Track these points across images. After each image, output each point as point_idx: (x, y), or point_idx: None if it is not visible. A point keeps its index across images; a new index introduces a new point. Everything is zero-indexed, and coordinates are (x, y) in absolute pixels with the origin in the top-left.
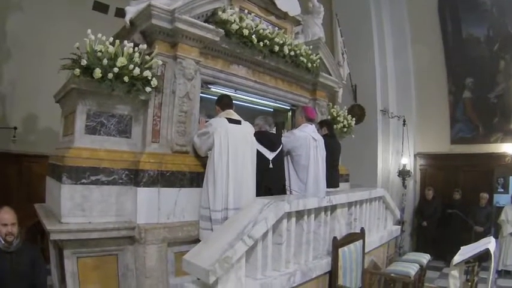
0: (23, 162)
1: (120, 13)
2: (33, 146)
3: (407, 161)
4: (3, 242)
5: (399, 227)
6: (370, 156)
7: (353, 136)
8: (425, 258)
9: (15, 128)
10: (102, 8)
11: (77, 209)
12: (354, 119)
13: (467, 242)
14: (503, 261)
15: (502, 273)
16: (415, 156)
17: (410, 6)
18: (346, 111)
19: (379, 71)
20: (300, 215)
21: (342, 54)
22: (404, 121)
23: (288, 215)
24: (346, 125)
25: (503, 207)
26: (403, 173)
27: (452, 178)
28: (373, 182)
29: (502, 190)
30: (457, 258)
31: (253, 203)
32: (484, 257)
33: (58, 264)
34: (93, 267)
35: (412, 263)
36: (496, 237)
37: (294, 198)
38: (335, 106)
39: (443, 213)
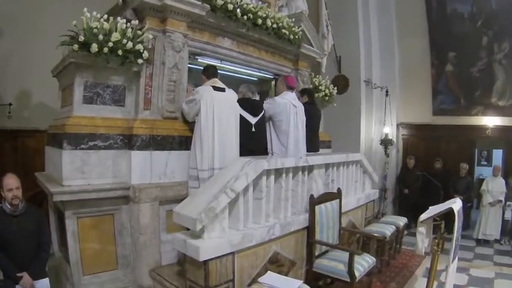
0: (19, 138)
1: None
2: (27, 122)
3: (389, 130)
4: (9, 206)
5: (377, 190)
6: (353, 125)
7: (335, 105)
8: (401, 221)
9: (10, 105)
10: None
11: (77, 172)
12: (335, 88)
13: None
14: (482, 230)
15: (481, 242)
16: (397, 126)
17: None
18: (329, 81)
19: (363, 43)
20: (278, 173)
21: (327, 26)
22: (387, 92)
23: (268, 173)
24: (328, 94)
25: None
26: (385, 142)
27: (433, 148)
28: (357, 150)
29: (486, 163)
30: (423, 216)
31: (236, 161)
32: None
33: (58, 227)
34: (91, 226)
35: (389, 225)
36: (477, 208)
37: (272, 158)
38: (317, 76)
39: (423, 181)
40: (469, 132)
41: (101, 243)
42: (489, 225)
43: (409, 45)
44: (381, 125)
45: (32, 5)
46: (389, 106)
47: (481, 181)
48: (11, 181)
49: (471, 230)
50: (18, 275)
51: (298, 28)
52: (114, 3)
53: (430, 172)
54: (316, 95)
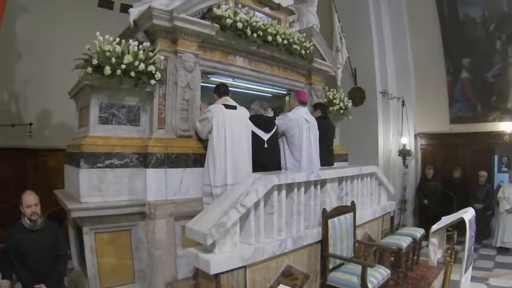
0: (39, 157)
1: (125, 9)
2: (48, 141)
3: (407, 140)
4: (28, 222)
5: (393, 202)
6: (371, 137)
7: (350, 117)
8: (419, 232)
9: (31, 124)
10: (107, 5)
11: (94, 189)
12: (350, 101)
13: None
14: (501, 238)
15: (502, 251)
16: (415, 136)
17: None
18: (343, 93)
19: (377, 54)
20: (290, 188)
21: (340, 39)
22: (403, 102)
23: (279, 188)
24: (343, 107)
25: None
26: (404, 153)
27: (452, 157)
28: (375, 162)
29: (506, 169)
30: (435, 227)
31: (247, 177)
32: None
33: (77, 243)
34: (109, 241)
35: (405, 236)
36: (493, 215)
37: (283, 173)
38: (332, 89)
39: (441, 191)
40: (487, 139)
41: (118, 257)
42: (507, 233)
43: (423, 53)
44: (398, 135)
45: (49, 29)
46: (407, 116)
47: (499, 188)
48: (30, 198)
49: (492, 238)
50: (36, 287)
51: (309, 43)
52: (127, 25)
53: (449, 181)
54: (331, 108)
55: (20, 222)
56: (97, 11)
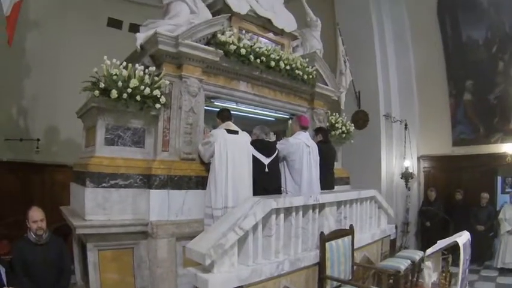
0: (46, 172)
1: (134, 28)
2: (54, 156)
3: (409, 163)
4: (34, 236)
5: (393, 225)
6: (374, 159)
7: (352, 141)
8: (418, 255)
9: (38, 140)
10: (116, 24)
11: (99, 208)
12: (352, 124)
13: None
14: (502, 259)
15: (503, 272)
16: (418, 158)
17: (410, 12)
18: (345, 117)
19: (381, 77)
20: (288, 211)
21: (344, 62)
22: (406, 125)
23: (277, 211)
24: (345, 131)
25: None
26: (406, 176)
27: (454, 179)
28: (378, 185)
29: (510, 190)
30: (429, 250)
31: (246, 201)
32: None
33: (81, 259)
34: (112, 258)
35: (404, 259)
36: (496, 236)
37: (281, 197)
38: (334, 113)
39: (445, 214)
40: (489, 160)
41: (120, 274)
42: (509, 254)
43: (427, 76)
44: (401, 158)
45: (58, 46)
46: (409, 139)
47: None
48: (36, 214)
49: (494, 259)
50: None
51: (312, 68)
52: (135, 44)
53: (451, 203)
54: (333, 132)
55: (26, 235)
56: (106, 29)
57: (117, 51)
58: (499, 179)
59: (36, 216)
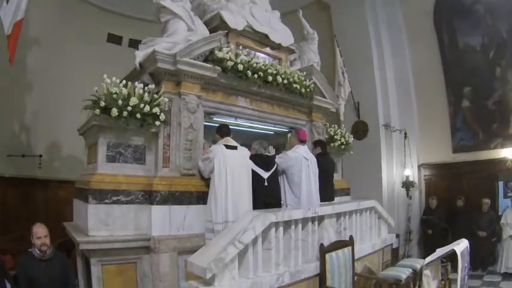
0: (48, 187)
1: (133, 44)
2: (57, 172)
3: (410, 172)
4: (38, 252)
5: (394, 235)
6: (374, 169)
7: (351, 152)
8: (419, 263)
9: (41, 156)
10: (116, 40)
11: (102, 224)
12: (351, 136)
13: (471, 248)
14: (505, 263)
15: (506, 276)
16: (419, 167)
17: (407, 21)
18: (344, 129)
19: (379, 87)
20: (287, 224)
21: (343, 73)
22: (405, 134)
23: (276, 225)
24: (344, 143)
25: None
26: (407, 184)
27: (455, 186)
28: (379, 195)
29: None
30: (428, 259)
31: (246, 215)
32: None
33: (85, 273)
34: (115, 273)
35: (405, 268)
36: (499, 241)
37: (280, 211)
38: (333, 125)
39: (446, 221)
40: (489, 166)
41: None
42: (511, 258)
43: (425, 84)
44: (402, 167)
45: (59, 62)
46: (409, 148)
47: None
48: (40, 230)
49: (497, 265)
50: None
51: (309, 81)
52: (134, 59)
53: (452, 210)
54: (332, 144)
55: (30, 251)
56: (106, 45)
57: (117, 67)
58: (501, 184)
59: (40, 232)
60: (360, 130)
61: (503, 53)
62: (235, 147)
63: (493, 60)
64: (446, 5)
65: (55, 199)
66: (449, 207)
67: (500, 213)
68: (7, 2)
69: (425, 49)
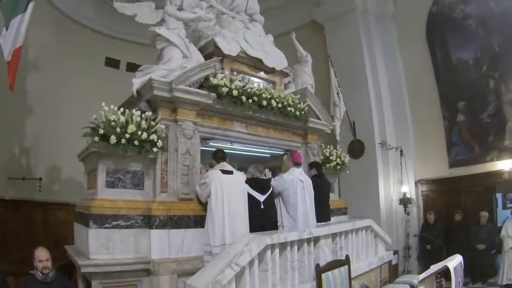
0: (48, 210)
1: (131, 67)
2: (57, 195)
3: (407, 189)
4: (41, 275)
5: (391, 252)
6: (372, 187)
7: (348, 172)
8: (416, 279)
9: (41, 179)
10: (113, 64)
11: (102, 247)
12: (347, 156)
13: (471, 261)
14: (507, 275)
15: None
16: (416, 183)
17: (400, 38)
18: (340, 149)
19: (375, 105)
20: (283, 246)
21: (338, 93)
22: (401, 151)
23: (272, 247)
24: (340, 163)
25: None
26: (404, 201)
27: (453, 200)
28: (377, 212)
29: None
30: (422, 275)
31: (242, 238)
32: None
33: None
34: None
35: (403, 284)
36: (499, 252)
37: (275, 233)
38: (328, 146)
39: (445, 236)
40: (486, 179)
41: None
42: None
43: (420, 101)
44: (399, 184)
45: (58, 86)
46: (406, 165)
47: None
48: (42, 254)
49: (497, 277)
50: None
51: (303, 104)
52: (131, 86)
53: (451, 225)
54: (328, 165)
55: (32, 273)
56: (104, 68)
57: (115, 90)
58: (500, 195)
59: (42, 256)
60: (356, 149)
61: (496, 66)
62: (231, 172)
63: (486, 73)
64: (439, 21)
65: (54, 221)
66: (447, 222)
67: (499, 225)
68: (7, 29)
69: (419, 65)
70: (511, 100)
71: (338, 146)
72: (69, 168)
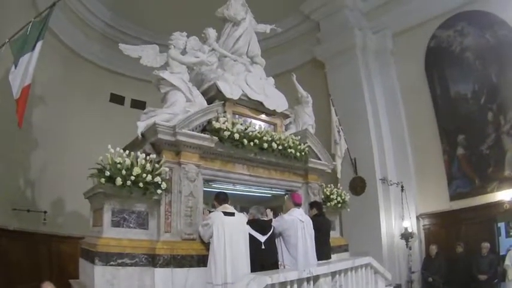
0: (53, 242)
1: (135, 104)
2: (61, 228)
3: (408, 224)
4: None
5: (392, 287)
6: (373, 223)
7: (348, 210)
8: None
9: (45, 212)
10: (118, 100)
11: (108, 284)
12: (348, 194)
13: None
14: None
15: None
16: (417, 217)
17: (399, 74)
18: (340, 187)
19: (375, 142)
20: (283, 285)
21: (338, 132)
22: (402, 187)
23: (272, 286)
24: (340, 201)
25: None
26: (406, 236)
27: (454, 233)
28: (378, 248)
29: None
30: None
31: (243, 277)
32: None
33: None
34: None
35: None
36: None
37: (275, 272)
38: (329, 185)
39: (447, 268)
40: (487, 210)
41: None
42: None
43: (420, 136)
44: (400, 219)
45: (64, 120)
46: (407, 200)
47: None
48: None
49: None
50: None
51: (304, 145)
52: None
53: (452, 257)
54: (329, 204)
55: None
56: (109, 105)
57: (119, 126)
58: (503, 224)
59: None
60: (358, 186)
61: (494, 98)
62: (232, 214)
63: (485, 105)
64: (437, 55)
65: (58, 254)
66: (449, 254)
67: (503, 253)
68: (15, 67)
69: (418, 100)
70: (509, 130)
71: (339, 184)
72: (73, 202)
